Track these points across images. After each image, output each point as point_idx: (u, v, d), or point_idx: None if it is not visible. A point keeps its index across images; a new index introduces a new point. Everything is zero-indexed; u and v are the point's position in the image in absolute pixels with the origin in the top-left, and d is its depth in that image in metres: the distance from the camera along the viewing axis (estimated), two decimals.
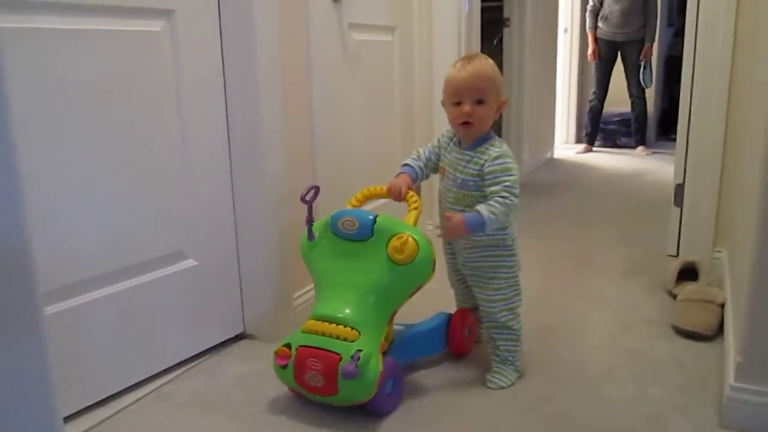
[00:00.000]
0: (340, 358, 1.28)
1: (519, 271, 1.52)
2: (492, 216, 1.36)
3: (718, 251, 2.17)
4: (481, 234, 1.42)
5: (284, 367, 1.35)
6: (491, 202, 1.37)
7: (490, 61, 1.47)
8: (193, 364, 1.60)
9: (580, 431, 1.32)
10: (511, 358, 1.51)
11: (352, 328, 1.33)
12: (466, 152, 1.46)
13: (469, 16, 2.59)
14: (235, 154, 1.65)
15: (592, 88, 5.08)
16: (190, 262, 1.59)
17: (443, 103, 1.49)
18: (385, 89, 2.28)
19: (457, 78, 1.42)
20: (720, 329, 1.72)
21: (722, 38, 2.05)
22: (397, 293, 1.40)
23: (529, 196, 3.60)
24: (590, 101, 5.10)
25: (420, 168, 1.55)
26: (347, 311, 1.35)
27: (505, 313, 1.49)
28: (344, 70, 1.97)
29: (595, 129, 5.16)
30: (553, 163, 4.75)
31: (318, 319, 1.36)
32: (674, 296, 1.96)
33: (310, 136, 1.83)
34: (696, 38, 2.12)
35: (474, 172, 1.43)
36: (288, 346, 1.36)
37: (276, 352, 1.37)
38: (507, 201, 1.37)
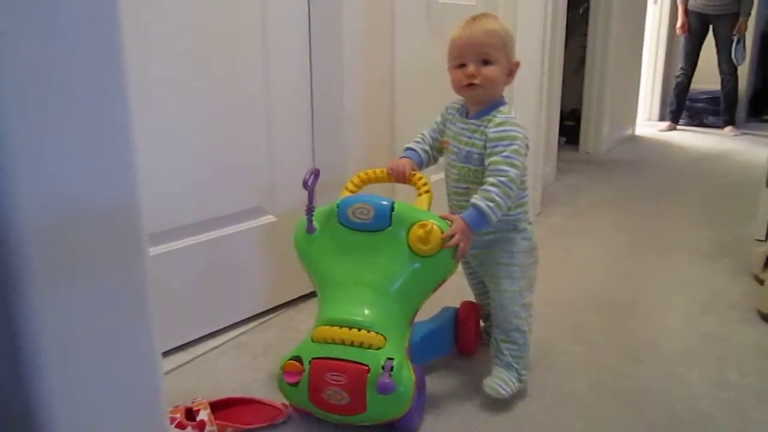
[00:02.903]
0: (369, 370, 1.09)
1: (536, 259, 1.35)
2: (490, 204, 1.17)
3: None
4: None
5: (295, 384, 1.13)
6: (486, 187, 1.19)
7: (500, 19, 1.30)
8: (267, 317, 1.65)
9: (653, 411, 1.28)
10: (515, 365, 1.31)
11: (377, 333, 1.12)
12: (472, 121, 1.29)
13: None
14: (317, 113, 1.66)
15: (679, 63, 4.87)
16: (269, 218, 1.62)
17: (449, 70, 1.31)
18: None
19: (460, 37, 1.26)
20: None
21: None
22: (420, 289, 1.21)
23: (609, 172, 3.52)
24: (677, 77, 4.88)
25: (425, 152, 1.38)
26: (367, 313, 1.15)
27: (518, 309, 1.30)
28: (427, 32, 1.95)
29: (681, 106, 4.95)
30: (634, 140, 4.59)
31: (331, 325, 1.14)
32: (761, 281, 1.87)
33: (390, 96, 1.83)
34: None
35: (480, 143, 1.25)
36: (297, 359, 1.14)
37: (282, 368, 1.14)
38: (502, 179, 1.18)
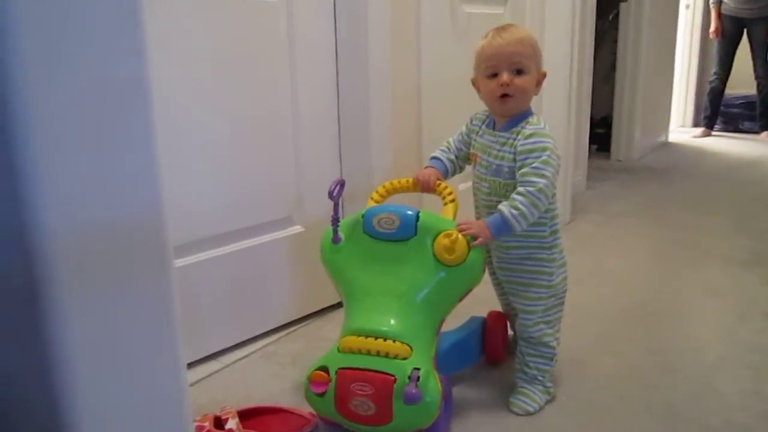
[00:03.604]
0: (395, 380, 1.08)
1: (563, 278, 1.32)
2: (515, 212, 1.16)
3: None
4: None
5: (322, 394, 1.13)
6: (514, 196, 1.18)
7: (527, 30, 1.31)
8: (296, 327, 1.65)
9: (687, 424, 1.26)
10: (540, 378, 1.30)
11: (403, 343, 1.12)
12: (501, 134, 1.27)
13: None
14: (343, 123, 1.68)
15: (713, 68, 4.78)
16: (297, 228, 1.64)
17: (474, 81, 1.31)
18: None
19: (492, 45, 1.23)
20: None
21: None
22: (446, 298, 1.21)
23: (641, 180, 3.47)
24: (711, 82, 4.80)
25: (450, 161, 1.37)
26: (393, 323, 1.14)
27: (542, 326, 1.29)
28: (453, 41, 1.95)
29: (715, 112, 4.86)
30: (667, 146, 4.52)
31: (357, 335, 1.14)
32: None
33: (416, 105, 1.83)
34: None
35: (510, 156, 1.24)
36: (324, 369, 1.13)
37: (309, 378, 1.14)
38: (530, 188, 1.16)
